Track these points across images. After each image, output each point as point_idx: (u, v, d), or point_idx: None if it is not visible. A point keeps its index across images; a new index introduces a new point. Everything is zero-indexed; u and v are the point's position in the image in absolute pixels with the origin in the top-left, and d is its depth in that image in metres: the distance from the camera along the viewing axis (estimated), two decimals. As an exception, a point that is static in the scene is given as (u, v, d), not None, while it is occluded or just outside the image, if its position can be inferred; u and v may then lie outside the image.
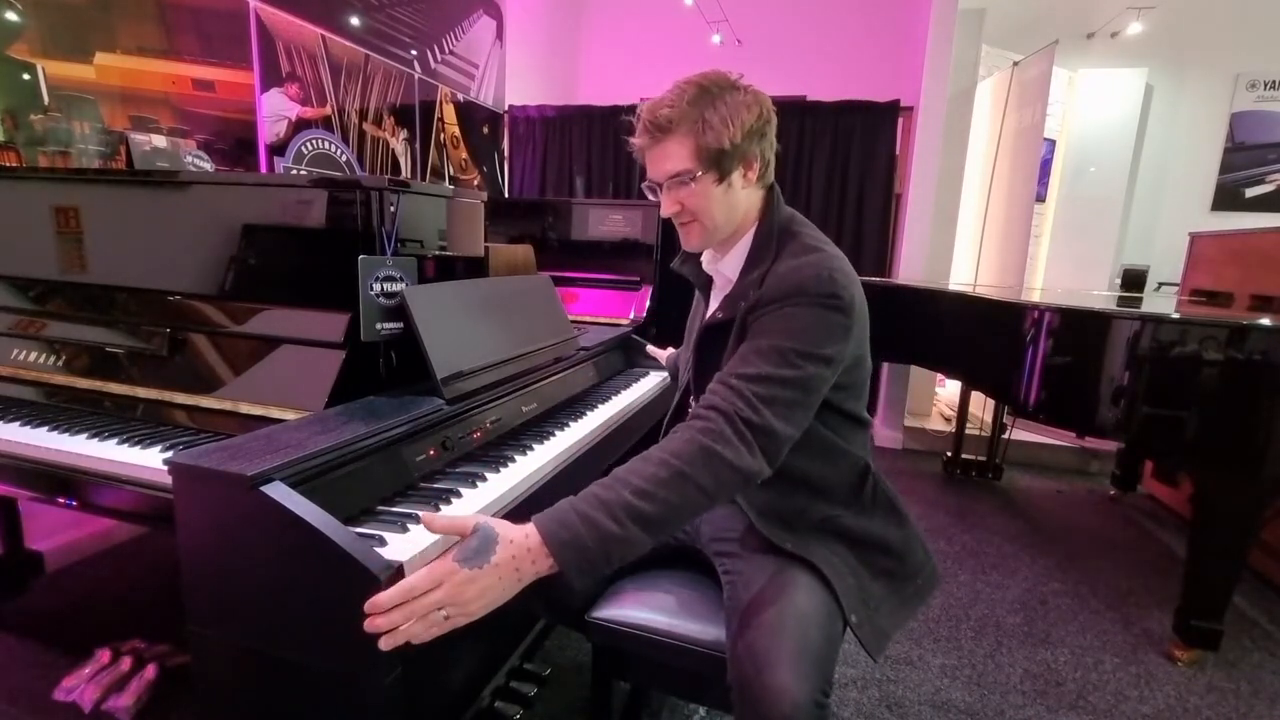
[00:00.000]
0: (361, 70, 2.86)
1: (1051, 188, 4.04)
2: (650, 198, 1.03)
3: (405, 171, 3.22)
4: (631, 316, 2.82)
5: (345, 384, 1.07)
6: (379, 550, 0.77)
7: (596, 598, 1.09)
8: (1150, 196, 4.07)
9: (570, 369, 1.56)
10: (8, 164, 1.71)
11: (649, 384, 1.76)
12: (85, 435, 1.06)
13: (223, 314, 1.20)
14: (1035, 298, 2.24)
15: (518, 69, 4.03)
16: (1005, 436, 3.12)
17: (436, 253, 1.29)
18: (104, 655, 1.43)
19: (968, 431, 3.25)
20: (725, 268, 1.05)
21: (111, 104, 1.94)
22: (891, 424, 3.70)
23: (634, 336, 1.97)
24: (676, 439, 0.84)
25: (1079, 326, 1.87)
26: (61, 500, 1.05)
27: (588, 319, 2.77)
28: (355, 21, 2.80)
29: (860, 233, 3.63)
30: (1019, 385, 1.99)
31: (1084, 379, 1.84)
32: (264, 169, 2.40)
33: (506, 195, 4.12)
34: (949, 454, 3.27)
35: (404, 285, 1.13)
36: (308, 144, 2.61)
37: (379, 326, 1.10)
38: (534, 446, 1.20)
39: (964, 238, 3.88)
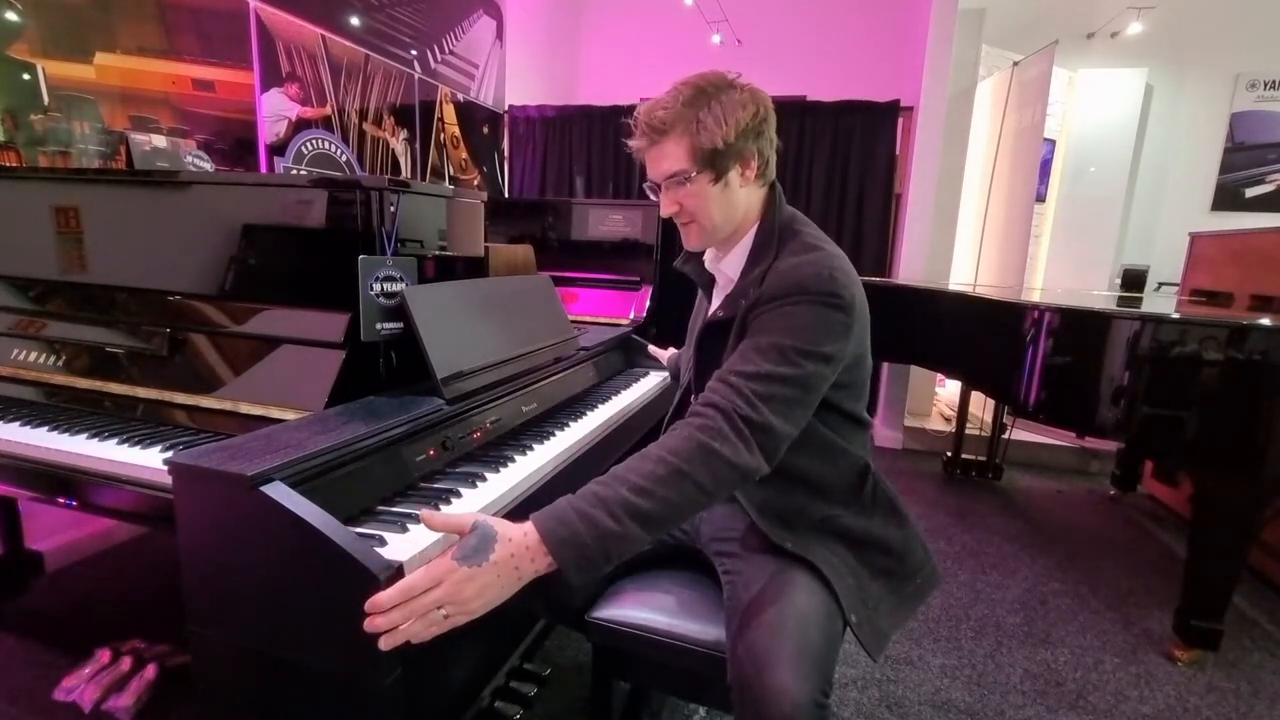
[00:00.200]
0: (361, 70, 2.86)
1: (1051, 188, 4.04)
2: (652, 197, 1.04)
3: (405, 171, 3.22)
4: (631, 316, 2.82)
5: (345, 384, 1.07)
6: (379, 550, 0.77)
7: (596, 597, 1.09)
8: (1150, 196, 4.07)
9: (570, 369, 1.56)
10: (8, 164, 1.71)
11: (649, 384, 1.76)
12: (85, 435, 1.06)
13: (223, 314, 1.20)
14: (1035, 298, 2.24)
15: (518, 69, 4.03)
16: (1005, 436, 3.12)
17: (436, 253, 1.29)
18: (104, 655, 1.43)
19: (968, 431, 3.25)
20: (727, 266, 1.05)
21: (111, 104, 1.94)
22: (891, 424, 3.70)
23: (634, 336, 1.97)
24: (675, 436, 0.84)
25: (1079, 326, 1.87)
26: (61, 500, 1.05)
27: (588, 319, 2.77)
28: (355, 21, 2.80)
29: (860, 233, 3.63)
30: (1019, 385, 1.99)
31: (1084, 379, 1.84)
32: (264, 169, 2.40)
33: (506, 195, 4.12)
34: (949, 454, 3.27)
35: (404, 285, 1.13)
36: (308, 144, 2.61)
37: (379, 326, 1.10)
38: (534, 446, 1.20)
39: (964, 238, 3.88)
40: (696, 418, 0.86)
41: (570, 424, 1.34)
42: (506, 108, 4.02)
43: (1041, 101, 3.27)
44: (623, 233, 2.98)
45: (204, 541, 0.82)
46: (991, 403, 3.21)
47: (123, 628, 1.54)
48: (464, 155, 3.68)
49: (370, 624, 0.67)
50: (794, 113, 3.54)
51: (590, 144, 3.94)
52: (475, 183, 3.80)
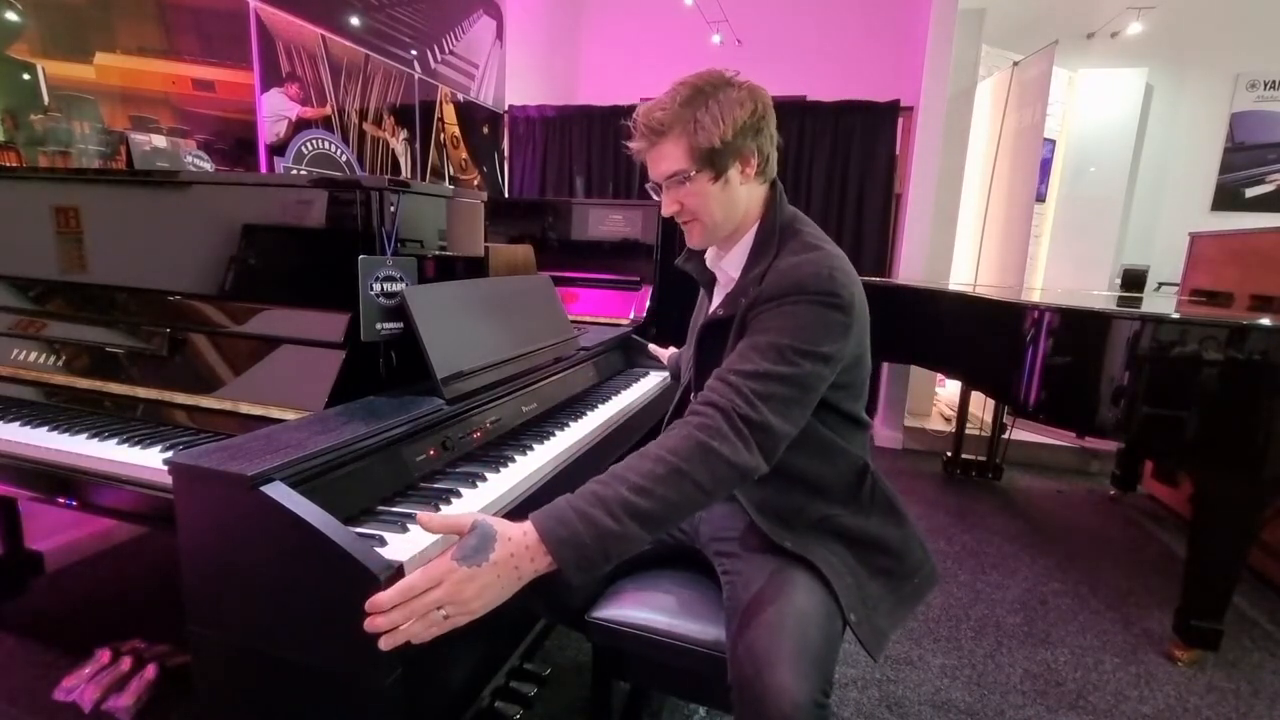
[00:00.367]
0: (361, 70, 2.86)
1: (1051, 188, 4.04)
2: (654, 197, 1.04)
3: (405, 171, 3.22)
4: (631, 316, 2.82)
5: (345, 384, 1.07)
6: (379, 550, 0.77)
7: (596, 597, 1.09)
8: (1150, 196, 4.07)
9: (570, 369, 1.56)
10: (8, 164, 1.71)
11: (649, 384, 1.76)
12: (85, 435, 1.06)
13: (223, 314, 1.20)
14: (1035, 298, 2.24)
15: (518, 69, 4.03)
16: (1005, 436, 3.12)
17: (436, 253, 1.29)
18: (104, 655, 1.43)
19: (968, 431, 3.25)
20: (728, 265, 1.05)
21: (111, 104, 1.94)
22: (891, 424, 3.70)
23: (634, 336, 1.97)
24: (674, 435, 0.84)
25: (1079, 326, 1.87)
26: (61, 500, 1.05)
27: (588, 319, 2.77)
28: (355, 21, 2.80)
29: (860, 233, 3.63)
30: (1019, 385, 1.99)
31: (1084, 379, 1.84)
32: (264, 169, 2.40)
33: (506, 195, 4.12)
34: (949, 454, 3.27)
35: (404, 285, 1.13)
36: (308, 144, 2.61)
37: (379, 326, 1.10)
38: (534, 446, 1.20)
39: (964, 238, 3.88)
40: (695, 416, 0.86)
41: (570, 424, 1.34)
42: (506, 108, 4.02)
43: (1041, 101, 3.27)
44: (623, 233, 2.98)
45: (204, 541, 0.82)
46: (991, 403, 3.21)
47: (123, 628, 1.54)
48: (464, 155, 3.68)
49: (370, 624, 0.67)
50: (794, 113, 3.54)
51: (590, 144, 3.94)
52: (475, 183, 3.80)
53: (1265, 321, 1.61)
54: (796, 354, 0.87)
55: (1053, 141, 3.93)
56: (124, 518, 1.05)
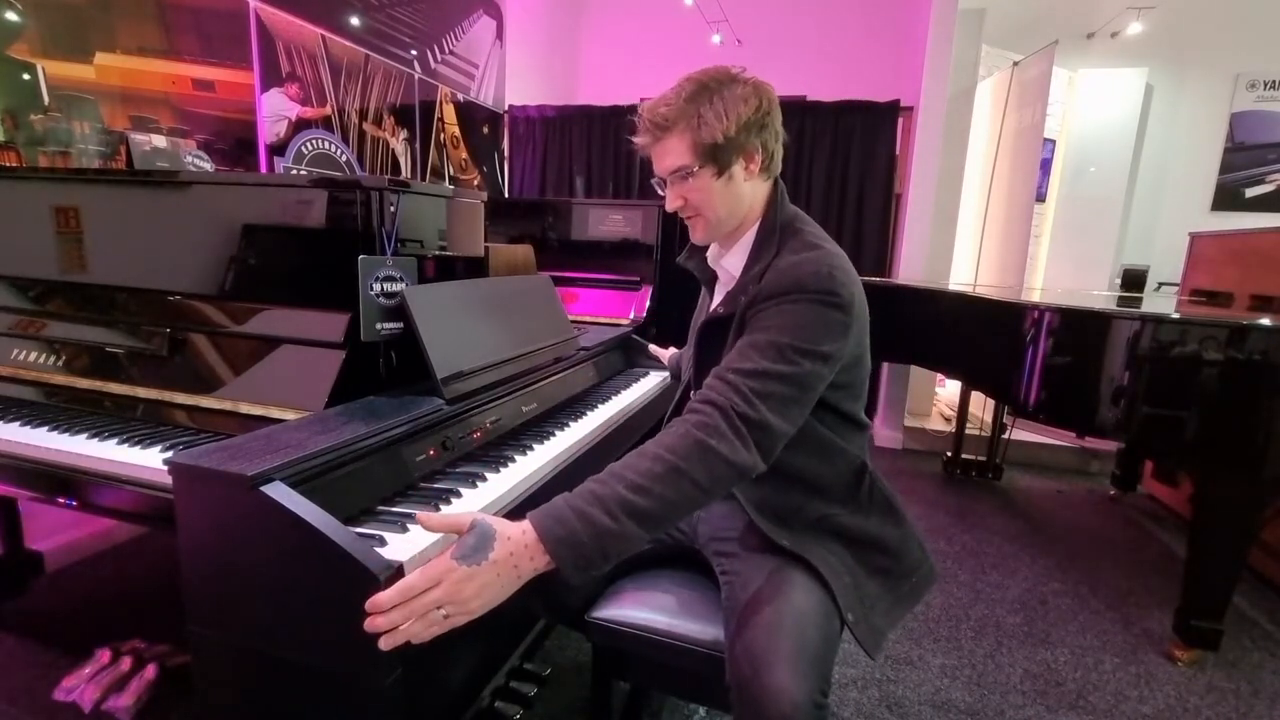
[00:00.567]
0: (361, 70, 2.86)
1: (1051, 188, 4.04)
2: (659, 193, 1.04)
3: (405, 171, 3.22)
4: (631, 316, 2.82)
5: (345, 384, 1.07)
6: (379, 550, 0.77)
7: (596, 597, 1.09)
8: (1150, 196, 4.07)
9: (570, 369, 1.56)
10: (8, 164, 1.71)
11: (649, 384, 1.76)
12: (85, 435, 1.06)
13: (223, 314, 1.20)
14: (1035, 298, 2.24)
15: (518, 69, 4.03)
16: (1005, 436, 3.12)
17: (436, 253, 1.29)
18: (104, 655, 1.43)
19: (968, 431, 3.25)
20: (729, 263, 1.05)
21: (111, 104, 1.95)
22: (891, 424, 3.70)
23: (634, 336, 1.97)
24: (672, 433, 0.84)
25: (1079, 326, 1.87)
26: (61, 500, 1.05)
27: (588, 319, 2.77)
28: (355, 21, 2.80)
29: (860, 233, 3.63)
30: (1019, 385, 1.99)
31: (1084, 379, 1.84)
32: (264, 169, 2.40)
33: (506, 195, 4.12)
34: (949, 454, 3.27)
35: (404, 285, 1.13)
36: (308, 144, 2.61)
37: (379, 326, 1.10)
38: (534, 446, 1.20)
39: (964, 238, 3.87)
40: (694, 415, 0.86)
41: (570, 424, 1.35)
42: (506, 108, 4.02)
43: (1041, 101, 3.27)
44: (623, 233, 2.98)
45: (204, 541, 0.82)
46: (991, 403, 3.21)
47: (123, 628, 1.53)
48: (464, 155, 3.68)
49: (370, 624, 0.67)
50: (794, 113, 3.54)
51: (590, 144, 3.94)
52: (475, 183, 3.80)
53: (1265, 321, 1.61)
54: (795, 353, 0.87)
55: (1053, 141, 3.93)
56: (124, 518, 1.05)
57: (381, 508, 0.91)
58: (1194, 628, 1.76)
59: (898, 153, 3.58)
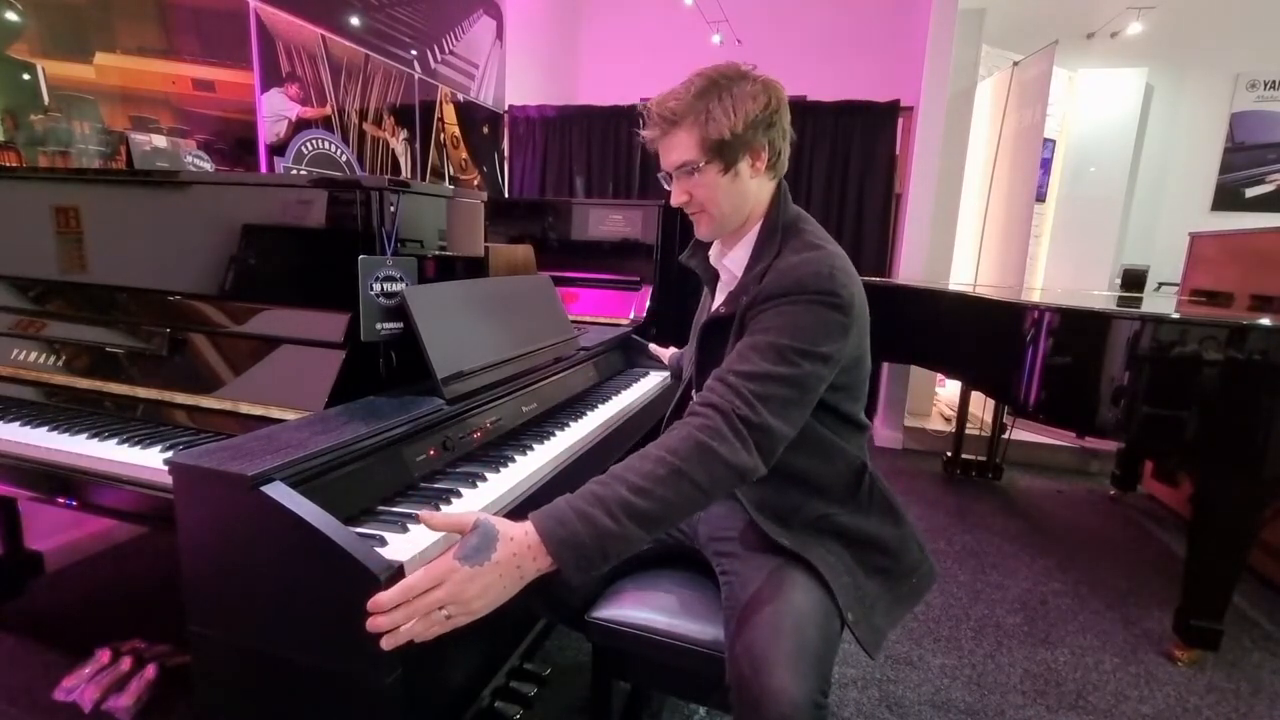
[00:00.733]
0: (361, 70, 2.86)
1: (1051, 188, 4.04)
2: (665, 187, 1.04)
3: (405, 171, 3.22)
4: (631, 316, 2.82)
5: (345, 384, 1.07)
6: (379, 550, 0.77)
7: (596, 597, 1.09)
8: (1150, 196, 4.07)
9: (570, 369, 1.56)
10: (8, 164, 1.71)
11: (649, 384, 1.76)
12: (85, 435, 1.06)
13: (223, 314, 1.20)
14: (1035, 298, 2.24)
15: (518, 69, 4.03)
16: (1005, 436, 3.12)
17: (436, 253, 1.29)
18: (104, 655, 1.43)
19: (968, 431, 3.25)
20: (731, 262, 1.05)
21: (111, 104, 1.94)
22: (891, 424, 3.70)
23: (634, 336, 1.97)
24: (673, 436, 0.84)
25: (1079, 326, 1.87)
26: (61, 500, 1.05)
27: (588, 319, 2.78)
28: (355, 21, 2.80)
29: (860, 233, 3.63)
30: (1019, 385, 1.99)
31: (1084, 379, 1.84)
32: (264, 169, 2.40)
33: (506, 195, 4.12)
34: (949, 454, 3.27)
35: (404, 285, 1.13)
36: (308, 144, 2.61)
37: (379, 326, 1.10)
38: (534, 446, 1.20)
39: (964, 238, 3.88)
40: (695, 417, 0.86)
41: (570, 424, 1.35)
42: (506, 108, 4.02)
43: (1041, 101, 3.27)
44: (623, 233, 2.98)
45: (204, 541, 0.82)
46: (991, 403, 3.21)
47: (123, 628, 1.54)
48: (464, 155, 3.68)
49: (372, 624, 0.67)
50: (794, 113, 3.49)
51: (590, 144, 3.94)
52: (475, 183, 3.80)
53: (1265, 321, 1.61)
54: (796, 354, 0.87)
55: (1053, 141, 3.93)
56: (124, 518, 1.05)
57: (382, 508, 0.91)
58: (1194, 628, 1.76)
59: (898, 153, 3.58)
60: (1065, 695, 1.64)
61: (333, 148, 2.75)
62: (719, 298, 1.11)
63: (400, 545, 0.80)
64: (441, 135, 3.45)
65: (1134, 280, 3.58)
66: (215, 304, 1.21)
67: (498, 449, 1.17)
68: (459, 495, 0.97)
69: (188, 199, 1.26)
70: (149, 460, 0.98)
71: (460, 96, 3.57)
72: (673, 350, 1.71)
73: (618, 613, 1.05)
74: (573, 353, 1.59)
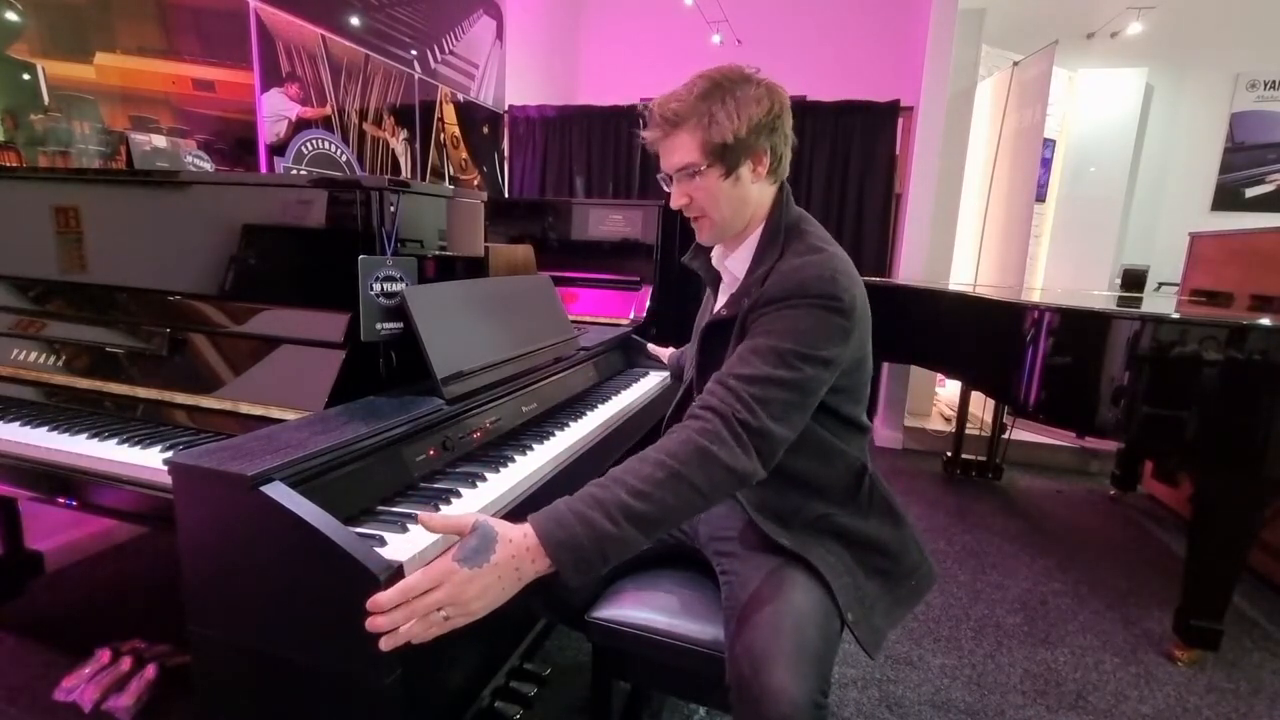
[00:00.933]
0: (361, 70, 2.86)
1: (1051, 188, 4.04)
2: (664, 188, 1.03)
3: (405, 171, 3.22)
4: (631, 316, 2.82)
5: (345, 384, 1.07)
6: (379, 550, 0.77)
7: (596, 598, 1.09)
8: (1150, 196, 4.07)
9: (570, 369, 1.56)
10: (8, 164, 1.71)
11: (649, 384, 1.76)
12: (85, 435, 1.06)
13: (223, 314, 1.20)
14: (1035, 298, 2.24)
15: (518, 69, 4.03)
16: (1005, 436, 3.12)
17: (436, 253, 1.29)
18: (104, 655, 1.43)
19: (968, 431, 3.25)
20: (733, 265, 1.05)
21: (111, 104, 1.94)
22: (891, 424, 3.70)
23: (634, 336, 1.97)
24: (673, 439, 0.84)
25: (1079, 326, 1.87)
26: (61, 500, 1.05)
27: (588, 319, 2.78)
28: (355, 21, 2.80)
29: (860, 233, 3.63)
30: (1019, 385, 1.99)
31: (1084, 379, 1.84)
32: (264, 169, 2.40)
33: (506, 195, 4.12)
34: (949, 454, 3.27)
35: (404, 285, 1.13)
36: (308, 144, 2.61)
37: (379, 326, 1.10)
38: (534, 446, 1.20)
39: (964, 238, 3.88)
40: (694, 420, 0.86)
41: (570, 424, 1.34)
42: (506, 108, 4.02)
43: (1041, 101, 3.27)
44: (623, 233, 2.98)
45: (204, 541, 0.82)
46: (991, 403, 3.21)
47: (123, 628, 1.54)
48: (464, 155, 3.68)
49: (371, 624, 0.67)
50: (794, 113, 3.51)
51: (590, 144, 3.93)
52: (475, 183, 3.80)
53: (1265, 321, 1.61)
54: (796, 358, 0.87)
55: (1053, 141, 3.93)
56: (124, 518, 1.05)
57: (381, 508, 0.91)
58: (1194, 628, 1.76)
59: (898, 153, 3.58)
60: (1065, 695, 1.64)
61: (333, 148, 2.75)
62: (721, 300, 1.10)
63: (400, 545, 0.80)
64: (441, 135, 3.45)
65: (1134, 280, 3.58)
66: (215, 304, 1.21)
67: (497, 449, 1.17)
68: (459, 495, 0.97)
69: (188, 199, 1.26)
70: (149, 460, 0.98)
71: (460, 96, 3.57)
72: (672, 350, 1.71)
73: (618, 613, 1.05)
74: (572, 353, 1.59)
